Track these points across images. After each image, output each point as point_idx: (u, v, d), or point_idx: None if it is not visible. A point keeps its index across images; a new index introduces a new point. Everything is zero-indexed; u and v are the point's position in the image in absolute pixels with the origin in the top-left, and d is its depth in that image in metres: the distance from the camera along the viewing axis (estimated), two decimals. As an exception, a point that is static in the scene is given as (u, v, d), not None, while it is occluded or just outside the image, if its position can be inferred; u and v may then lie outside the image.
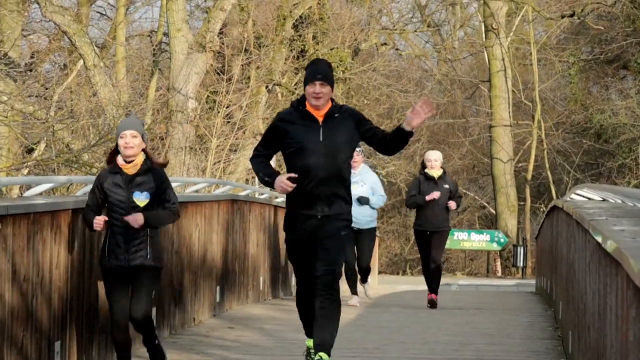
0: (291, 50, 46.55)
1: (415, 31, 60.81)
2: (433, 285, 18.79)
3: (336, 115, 9.26)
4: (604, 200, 14.01)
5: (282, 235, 12.14)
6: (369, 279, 19.86)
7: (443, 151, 56.36)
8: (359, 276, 18.77)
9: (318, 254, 8.93)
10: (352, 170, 15.48)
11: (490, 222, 55.55)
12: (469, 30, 65.04)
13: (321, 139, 9.04)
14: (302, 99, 9.40)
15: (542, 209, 45.11)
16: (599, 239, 7.46)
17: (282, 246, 16.99)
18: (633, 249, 5.14)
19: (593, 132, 54.66)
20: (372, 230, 18.75)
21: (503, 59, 52.20)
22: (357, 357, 14.28)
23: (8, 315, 9.54)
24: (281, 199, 21.87)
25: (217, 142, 36.80)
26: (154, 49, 47.41)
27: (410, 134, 9.03)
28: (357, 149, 17.12)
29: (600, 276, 8.17)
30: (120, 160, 9.24)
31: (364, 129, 9.31)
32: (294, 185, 9.00)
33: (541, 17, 55.46)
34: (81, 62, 38.53)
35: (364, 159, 20.04)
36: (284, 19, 44.75)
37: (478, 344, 16.15)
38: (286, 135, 9.22)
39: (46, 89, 36.60)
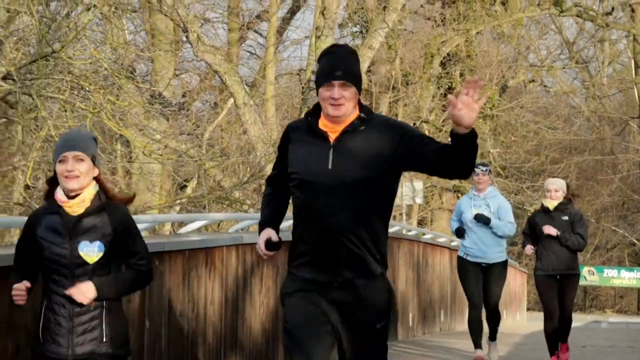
0: (438, 88, 46.63)
1: (564, 68, 60.42)
2: (563, 336, 15.07)
3: (362, 128, 5.86)
4: None
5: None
6: (499, 329, 16.20)
7: (591, 188, 56.98)
8: (485, 327, 15.59)
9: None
10: (476, 194, 14.90)
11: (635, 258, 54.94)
12: (617, 67, 64.13)
13: (330, 166, 5.86)
14: (318, 108, 6.04)
15: None
16: None
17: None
18: None
19: None
20: (503, 265, 15.28)
21: (654, 95, 50.69)
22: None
23: (165, 351, 9.75)
24: (443, 239, 21.14)
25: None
26: (302, 87, 46.69)
27: (466, 139, 5.47)
28: (484, 168, 15.34)
29: None
30: (59, 194, 6.16)
31: (411, 147, 5.82)
32: (272, 254, 6.11)
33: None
34: (231, 100, 38.77)
35: (491, 181, 16.92)
36: (432, 56, 44.92)
37: None
38: (287, 157, 6.13)
39: (197, 127, 37.02)
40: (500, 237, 14.93)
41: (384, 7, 40.20)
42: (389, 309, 5.91)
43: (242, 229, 15.64)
